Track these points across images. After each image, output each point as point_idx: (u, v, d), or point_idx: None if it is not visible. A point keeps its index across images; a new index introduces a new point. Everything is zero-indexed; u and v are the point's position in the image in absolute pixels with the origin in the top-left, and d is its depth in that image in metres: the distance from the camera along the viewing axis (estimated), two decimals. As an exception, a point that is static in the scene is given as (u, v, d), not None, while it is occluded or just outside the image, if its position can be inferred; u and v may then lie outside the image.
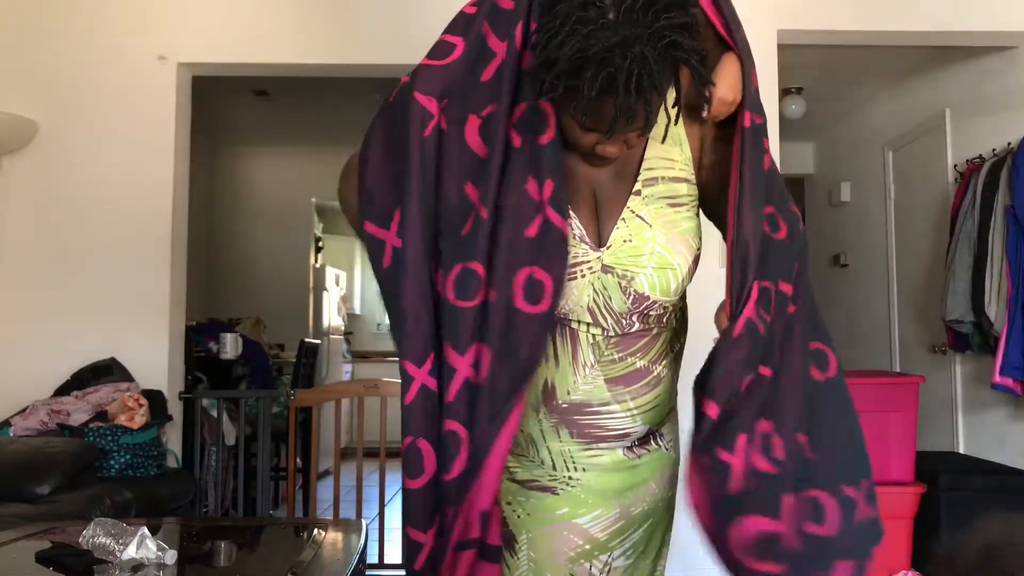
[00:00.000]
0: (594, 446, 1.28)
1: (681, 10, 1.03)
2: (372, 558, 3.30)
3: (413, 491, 1.16)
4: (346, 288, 7.66)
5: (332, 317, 6.89)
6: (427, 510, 1.16)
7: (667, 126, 1.20)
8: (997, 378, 3.25)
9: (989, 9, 3.39)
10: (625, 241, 1.20)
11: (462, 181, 1.17)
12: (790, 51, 3.51)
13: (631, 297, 1.20)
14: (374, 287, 8.46)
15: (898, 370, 4.54)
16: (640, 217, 1.21)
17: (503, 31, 1.20)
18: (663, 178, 1.23)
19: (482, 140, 1.18)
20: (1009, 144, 3.48)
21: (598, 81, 1.00)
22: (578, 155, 1.21)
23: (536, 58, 1.08)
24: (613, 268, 1.20)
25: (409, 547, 1.18)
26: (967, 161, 3.79)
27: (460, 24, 1.25)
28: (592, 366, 1.24)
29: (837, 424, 1.17)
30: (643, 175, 1.23)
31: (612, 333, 1.23)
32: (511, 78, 1.19)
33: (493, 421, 1.12)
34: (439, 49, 1.24)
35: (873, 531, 1.13)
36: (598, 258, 1.20)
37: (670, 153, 1.25)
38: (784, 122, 4.51)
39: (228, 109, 5.63)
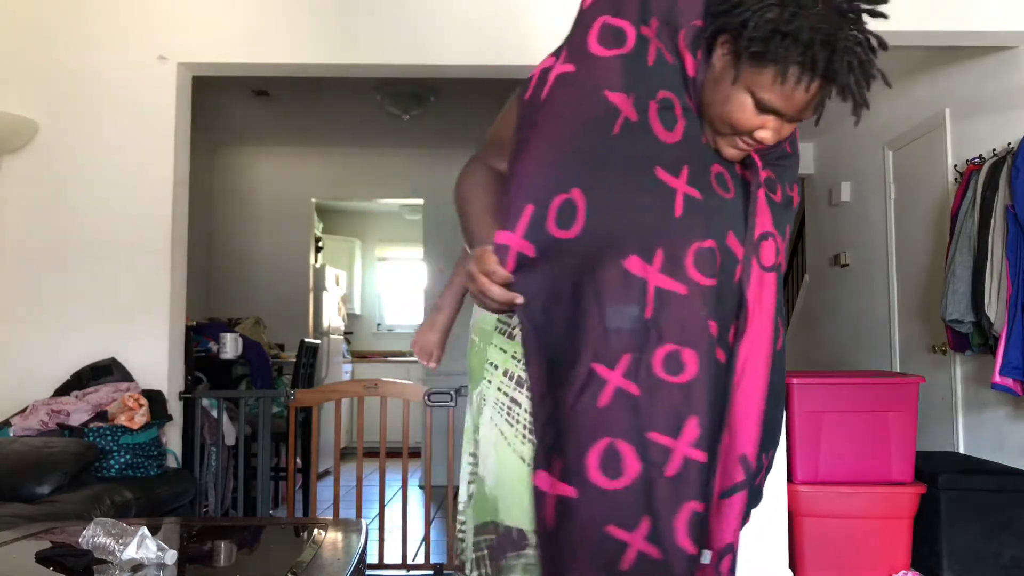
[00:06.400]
0: None
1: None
2: (372, 558, 3.30)
3: None
4: (346, 288, 7.66)
5: (332, 317, 6.89)
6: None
7: None
8: (997, 378, 3.25)
9: (989, 9, 3.39)
10: None
11: (651, 168, 1.17)
12: (790, 51, 3.51)
13: None
14: (374, 287, 8.43)
15: (898, 370, 4.53)
16: None
17: (640, 16, 1.20)
18: None
19: (664, 126, 1.18)
20: (1009, 144, 3.48)
21: (821, 61, 1.05)
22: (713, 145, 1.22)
23: (731, 17, 1.10)
24: None
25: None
26: (967, 161, 3.79)
27: (625, 4, 1.20)
28: None
29: None
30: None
31: None
32: (664, 65, 1.19)
33: None
34: (609, 34, 1.19)
35: None
36: None
37: None
38: (784, 122, 4.50)
39: (228, 109, 5.63)
